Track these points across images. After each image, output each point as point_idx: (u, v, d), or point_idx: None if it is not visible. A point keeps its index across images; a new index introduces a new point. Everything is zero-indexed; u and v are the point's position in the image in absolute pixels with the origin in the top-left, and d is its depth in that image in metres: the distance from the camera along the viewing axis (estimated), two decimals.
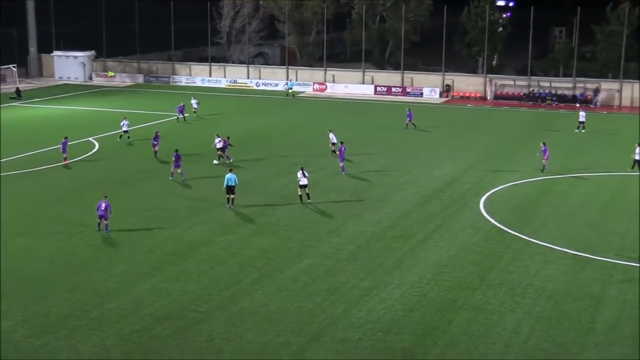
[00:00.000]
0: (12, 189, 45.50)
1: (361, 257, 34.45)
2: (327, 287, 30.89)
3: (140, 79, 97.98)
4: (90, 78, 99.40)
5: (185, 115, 66.64)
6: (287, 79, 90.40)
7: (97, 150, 55.30)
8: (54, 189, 44.85)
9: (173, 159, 46.81)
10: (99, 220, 36.37)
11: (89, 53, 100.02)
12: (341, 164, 49.24)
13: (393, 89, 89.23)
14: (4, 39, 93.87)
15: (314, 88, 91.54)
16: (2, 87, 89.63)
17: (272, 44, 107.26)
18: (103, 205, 36.07)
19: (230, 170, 41.38)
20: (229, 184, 40.92)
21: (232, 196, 41.07)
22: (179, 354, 25.18)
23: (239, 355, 25.20)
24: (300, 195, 42.19)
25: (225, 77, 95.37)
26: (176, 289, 30.59)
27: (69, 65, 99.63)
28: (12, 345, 25.75)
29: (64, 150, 50.12)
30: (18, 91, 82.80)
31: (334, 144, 53.86)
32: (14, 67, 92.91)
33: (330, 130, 55.47)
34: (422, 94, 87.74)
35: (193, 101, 68.87)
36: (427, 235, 37.64)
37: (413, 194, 45.22)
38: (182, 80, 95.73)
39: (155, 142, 51.25)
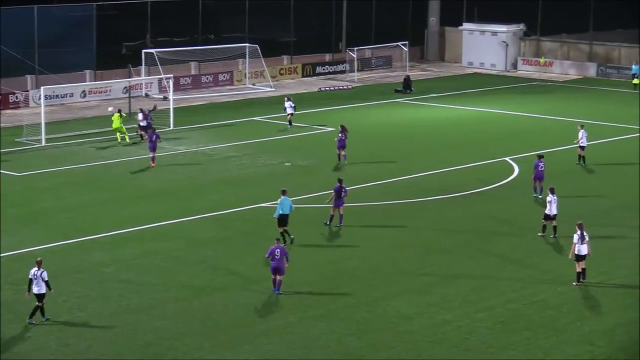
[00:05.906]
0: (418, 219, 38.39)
1: None
2: None
3: (591, 70, 77.46)
4: (514, 66, 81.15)
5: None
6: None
7: (517, 176, 47.40)
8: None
9: None
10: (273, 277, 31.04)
11: (516, 27, 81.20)
12: None
13: None
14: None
15: None
16: (388, 74, 77.34)
17: None
18: (277, 251, 30.95)
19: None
20: None
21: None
22: None
23: None
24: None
25: None
26: None
27: (484, 46, 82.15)
28: None
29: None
30: (407, 81, 69.53)
31: None
32: (404, 45, 77.13)
33: None
34: None
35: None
36: None
37: None
38: None
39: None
